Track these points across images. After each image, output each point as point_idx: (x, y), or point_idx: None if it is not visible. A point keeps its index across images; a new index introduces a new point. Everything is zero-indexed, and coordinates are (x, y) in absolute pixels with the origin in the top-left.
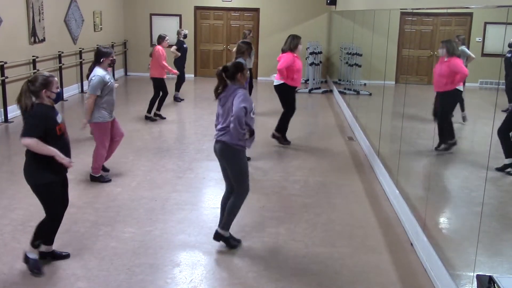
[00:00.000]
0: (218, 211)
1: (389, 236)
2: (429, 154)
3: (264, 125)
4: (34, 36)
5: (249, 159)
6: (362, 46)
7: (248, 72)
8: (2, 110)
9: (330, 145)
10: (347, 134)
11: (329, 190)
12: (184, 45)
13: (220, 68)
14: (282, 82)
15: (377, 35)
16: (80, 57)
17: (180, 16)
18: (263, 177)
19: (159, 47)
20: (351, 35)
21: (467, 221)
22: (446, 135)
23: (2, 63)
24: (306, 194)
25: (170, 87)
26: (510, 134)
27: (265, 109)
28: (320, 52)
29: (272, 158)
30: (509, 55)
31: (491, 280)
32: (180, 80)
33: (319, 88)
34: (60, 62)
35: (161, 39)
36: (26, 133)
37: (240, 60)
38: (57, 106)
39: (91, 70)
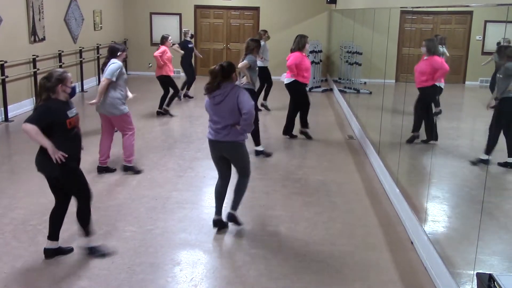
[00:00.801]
0: None
1: (389, 234)
2: (430, 152)
3: (264, 124)
4: (34, 35)
5: (270, 154)
6: (362, 44)
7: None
8: (2, 109)
9: (330, 143)
10: (347, 133)
11: (329, 188)
12: (190, 45)
13: (217, 67)
14: (293, 79)
15: (377, 33)
16: (80, 56)
17: (180, 15)
18: (263, 176)
19: (162, 47)
20: (351, 33)
21: (466, 219)
22: (420, 127)
23: (2, 62)
24: (307, 193)
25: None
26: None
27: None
28: (320, 51)
29: (272, 157)
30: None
31: (491, 278)
32: (189, 79)
33: (319, 86)
34: (60, 61)
35: (164, 39)
36: (30, 120)
37: (249, 57)
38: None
39: (105, 64)
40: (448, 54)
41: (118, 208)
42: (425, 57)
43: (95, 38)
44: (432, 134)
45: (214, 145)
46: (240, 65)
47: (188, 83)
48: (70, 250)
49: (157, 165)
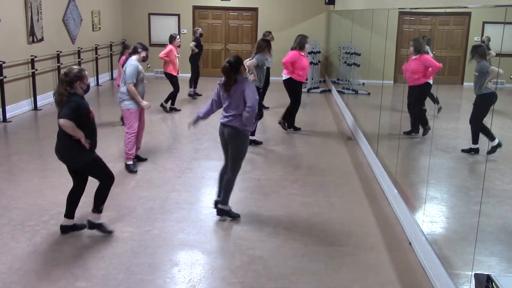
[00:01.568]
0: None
1: (387, 235)
2: (428, 153)
3: (263, 123)
4: (32, 35)
5: (261, 143)
6: (361, 45)
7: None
8: (0, 109)
9: (328, 144)
10: (346, 134)
11: (327, 189)
12: (201, 44)
13: (227, 64)
14: (289, 76)
15: (375, 34)
16: (79, 57)
17: (178, 15)
18: (262, 176)
19: (169, 46)
20: (349, 34)
21: (465, 220)
22: (422, 123)
23: (1, 62)
24: (305, 193)
25: (185, 85)
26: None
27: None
28: (319, 52)
29: (270, 157)
30: None
31: (489, 279)
32: (195, 75)
33: (318, 87)
34: (58, 61)
35: (172, 38)
36: (65, 115)
37: (258, 56)
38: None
39: (126, 60)
40: (431, 54)
41: (116, 208)
42: (413, 57)
43: (93, 38)
44: (415, 128)
45: (221, 128)
46: (248, 63)
47: (195, 80)
48: (83, 226)
49: (156, 166)
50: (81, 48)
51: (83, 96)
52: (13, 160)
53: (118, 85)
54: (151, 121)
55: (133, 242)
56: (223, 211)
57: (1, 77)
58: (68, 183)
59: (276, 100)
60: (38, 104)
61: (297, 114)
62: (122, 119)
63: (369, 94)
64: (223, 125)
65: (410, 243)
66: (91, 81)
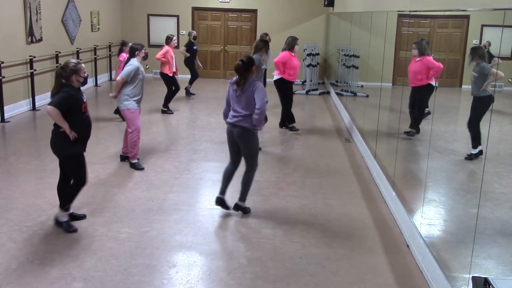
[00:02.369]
0: (215, 212)
1: (385, 237)
2: (426, 155)
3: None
4: (31, 36)
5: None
6: (360, 47)
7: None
8: None
9: (327, 146)
10: (344, 136)
11: (325, 191)
12: (194, 47)
13: (240, 62)
14: (280, 77)
15: (374, 37)
16: (78, 57)
17: (177, 16)
18: (260, 178)
19: (166, 47)
20: (348, 36)
21: (463, 222)
22: (416, 123)
23: None
24: (303, 195)
25: (184, 85)
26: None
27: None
28: (318, 54)
29: (269, 159)
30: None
31: (486, 282)
32: (193, 76)
33: (317, 89)
34: (57, 62)
35: (169, 39)
36: (53, 103)
37: (257, 55)
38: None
39: (126, 63)
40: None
41: (114, 209)
42: (416, 59)
43: (92, 39)
44: (417, 127)
45: (229, 128)
46: None
47: (191, 80)
48: (83, 216)
49: (154, 167)
50: (80, 49)
51: (80, 88)
52: (11, 161)
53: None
54: (149, 122)
55: (131, 243)
56: (240, 207)
57: (0, 77)
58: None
59: (273, 100)
60: (37, 104)
61: (295, 115)
62: (116, 112)
63: (367, 96)
64: (232, 125)
65: (408, 246)
66: (90, 82)
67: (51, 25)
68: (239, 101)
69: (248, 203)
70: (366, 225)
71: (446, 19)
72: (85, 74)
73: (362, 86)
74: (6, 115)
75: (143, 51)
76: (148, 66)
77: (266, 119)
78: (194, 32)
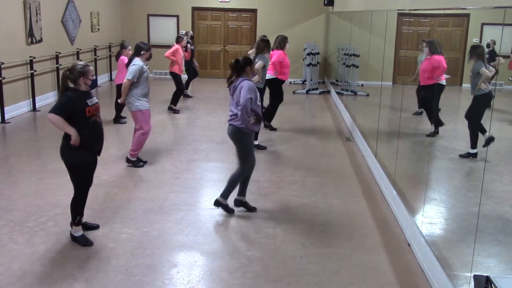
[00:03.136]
0: (216, 211)
1: (386, 236)
2: (427, 154)
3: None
4: (31, 36)
5: (265, 148)
6: (360, 47)
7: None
8: None
9: (327, 145)
10: (345, 135)
11: (326, 190)
12: (191, 47)
13: (233, 60)
14: (274, 76)
15: (374, 36)
16: (78, 58)
17: (177, 16)
18: (260, 177)
19: (176, 46)
20: (348, 36)
21: (464, 221)
22: (435, 122)
23: None
24: (304, 195)
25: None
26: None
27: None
28: (318, 53)
29: (269, 158)
30: (487, 55)
31: (488, 280)
32: (189, 78)
33: (317, 89)
34: (57, 62)
35: (179, 38)
36: (54, 110)
37: (261, 56)
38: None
39: (130, 61)
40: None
41: (115, 210)
42: (428, 56)
43: (92, 39)
44: (436, 125)
45: (227, 128)
46: (256, 66)
47: (187, 81)
48: (97, 226)
49: (154, 167)
50: (80, 49)
51: (89, 91)
52: (12, 161)
53: (117, 84)
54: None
55: (132, 244)
56: (220, 203)
57: (0, 78)
58: (66, 183)
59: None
60: (37, 105)
61: (295, 115)
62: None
63: (368, 95)
64: (228, 125)
65: (409, 245)
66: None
67: (51, 26)
68: (232, 100)
69: (248, 203)
70: (367, 224)
71: (446, 17)
72: (93, 77)
73: (362, 85)
74: (6, 116)
75: (148, 53)
76: (148, 66)
77: (260, 119)
78: (191, 32)
